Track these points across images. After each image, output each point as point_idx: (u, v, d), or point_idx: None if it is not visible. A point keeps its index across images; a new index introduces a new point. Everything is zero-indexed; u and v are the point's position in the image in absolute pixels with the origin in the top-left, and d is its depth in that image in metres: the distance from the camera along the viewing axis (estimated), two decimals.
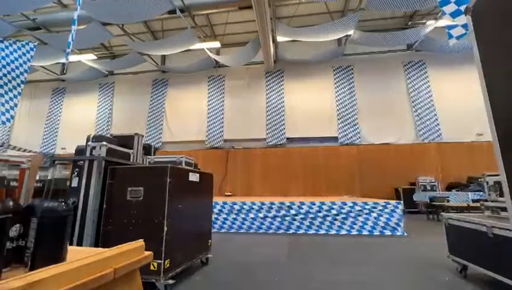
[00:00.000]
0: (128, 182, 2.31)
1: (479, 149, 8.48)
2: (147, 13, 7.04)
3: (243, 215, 5.08)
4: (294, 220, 4.95)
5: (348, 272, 2.59)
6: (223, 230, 5.08)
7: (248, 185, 9.45)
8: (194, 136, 10.30)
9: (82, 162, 2.38)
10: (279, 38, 9.28)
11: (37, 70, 10.40)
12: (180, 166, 2.98)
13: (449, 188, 7.98)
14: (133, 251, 0.85)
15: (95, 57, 10.31)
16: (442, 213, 2.77)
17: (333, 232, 4.78)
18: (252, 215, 5.06)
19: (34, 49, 4.82)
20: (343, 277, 2.44)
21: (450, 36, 3.41)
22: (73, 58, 9.54)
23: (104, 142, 2.53)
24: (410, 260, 3.00)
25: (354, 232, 4.74)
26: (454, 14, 3.20)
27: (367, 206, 4.81)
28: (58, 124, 11.41)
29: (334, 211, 4.85)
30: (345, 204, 4.87)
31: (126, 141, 3.03)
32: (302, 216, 4.94)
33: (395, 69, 9.76)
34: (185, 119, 10.51)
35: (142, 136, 3.22)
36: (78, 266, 0.63)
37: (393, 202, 4.80)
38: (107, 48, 11.36)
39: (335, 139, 9.45)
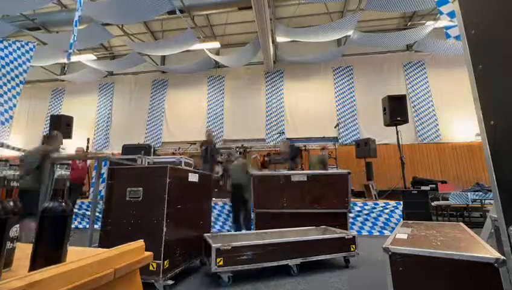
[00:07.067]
0: (128, 182, 2.31)
1: (478, 149, 8.48)
2: (146, 14, 7.04)
3: None
4: None
5: None
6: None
7: None
8: (193, 136, 10.28)
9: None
10: (279, 39, 9.27)
11: (36, 71, 10.38)
12: (180, 167, 2.98)
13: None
14: (133, 251, 0.85)
15: (95, 58, 10.29)
16: None
17: None
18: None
19: (34, 49, 4.82)
20: None
21: (448, 36, 3.42)
22: (73, 58, 9.47)
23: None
24: None
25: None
26: (451, 14, 3.21)
27: (366, 207, 4.81)
28: None
29: None
30: None
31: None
32: None
33: (394, 69, 9.76)
34: (185, 119, 10.49)
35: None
36: (78, 266, 0.63)
37: (392, 202, 4.80)
38: (106, 48, 11.34)
39: (335, 139, 9.44)
